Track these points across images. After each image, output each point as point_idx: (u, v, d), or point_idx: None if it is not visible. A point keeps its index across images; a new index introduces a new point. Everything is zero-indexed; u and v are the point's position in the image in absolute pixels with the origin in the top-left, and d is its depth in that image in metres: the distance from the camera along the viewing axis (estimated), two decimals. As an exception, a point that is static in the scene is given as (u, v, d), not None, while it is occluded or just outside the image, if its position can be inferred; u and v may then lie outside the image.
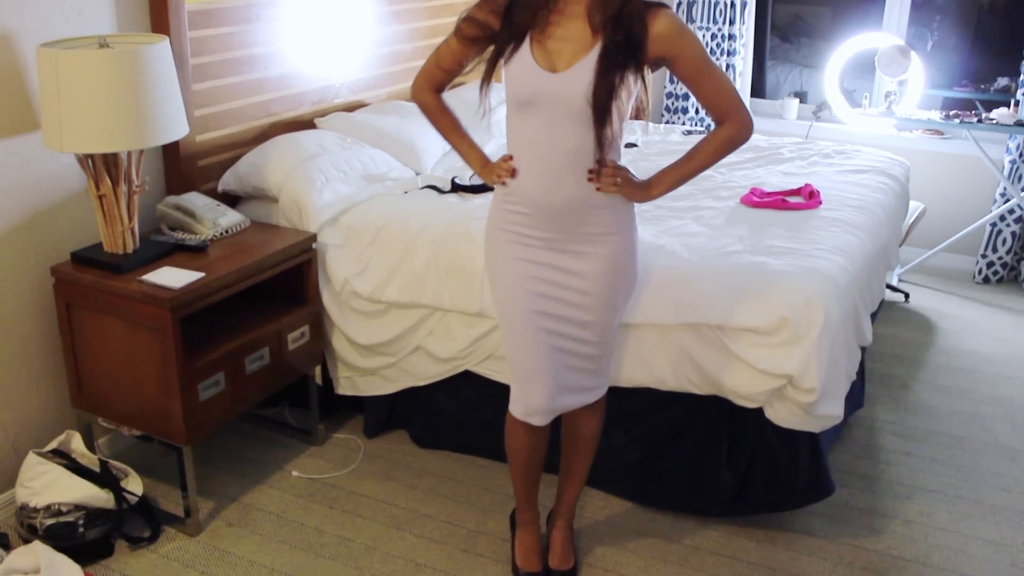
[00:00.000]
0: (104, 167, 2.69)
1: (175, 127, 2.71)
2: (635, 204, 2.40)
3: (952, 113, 4.75)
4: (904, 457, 3.35)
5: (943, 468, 3.29)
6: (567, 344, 2.42)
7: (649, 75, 2.25)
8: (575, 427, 2.64)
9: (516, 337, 2.42)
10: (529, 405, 2.46)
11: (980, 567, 2.80)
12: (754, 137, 4.41)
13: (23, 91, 2.76)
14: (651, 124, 4.64)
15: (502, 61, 2.23)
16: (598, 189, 2.26)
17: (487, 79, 2.30)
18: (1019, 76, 4.79)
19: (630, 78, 2.15)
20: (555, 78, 2.16)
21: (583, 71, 2.14)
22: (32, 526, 2.70)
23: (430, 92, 2.47)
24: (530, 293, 2.37)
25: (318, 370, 3.32)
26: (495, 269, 2.44)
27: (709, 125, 5.38)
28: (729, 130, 2.27)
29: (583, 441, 2.65)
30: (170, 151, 3.22)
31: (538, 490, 2.72)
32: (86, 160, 2.68)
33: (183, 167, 3.24)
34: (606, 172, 2.25)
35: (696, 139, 4.35)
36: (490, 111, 2.39)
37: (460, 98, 4.09)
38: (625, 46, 2.12)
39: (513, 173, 2.31)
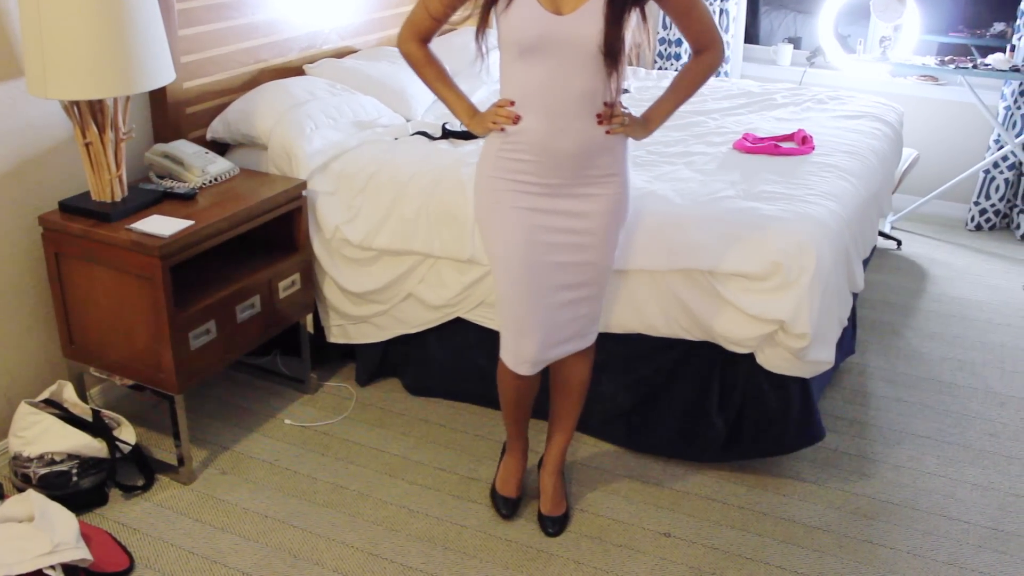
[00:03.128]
0: (90, 114, 2.66)
1: (161, 73, 2.67)
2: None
3: (947, 59, 4.71)
4: (894, 403, 3.37)
5: (932, 414, 3.31)
6: (565, 294, 2.42)
7: (648, 15, 2.25)
8: (565, 374, 2.64)
9: (512, 289, 2.40)
10: (519, 356, 2.47)
11: (968, 511, 2.82)
12: (747, 82, 4.41)
13: (6, 37, 2.72)
14: (643, 70, 4.60)
15: (497, 7, 2.19)
16: (608, 132, 2.28)
17: (482, 27, 2.26)
18: (1015, 21, 4.75)
19: (635, 17, 2.17)
20: (562, 21, 2.14)
21: (591, 12, 2.12)
22: (26, 475, 2.70)
23: (416, 42, 2.41)
24: (532, 243, 2.35)
25: (309, 318, 3.32)
26: (491, 220, 2.40)
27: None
28: (710, 57, 2.36)
29: (572, 387, 2.66)
30: (157, 98, 3.18)
31: (527, 425, 2.76)
32: (72, 107, 2.64)
33: (171, 114, 3.20)
34: (616, 114, 2.28)
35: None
36: (486, 56, 2.35)
37: (451, 45, 4.09)
38: None
39: (516, 120, 2.28)
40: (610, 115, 2.27)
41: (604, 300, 2.60)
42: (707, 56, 2.36)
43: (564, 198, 2.34)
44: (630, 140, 2.41)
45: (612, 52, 2.15)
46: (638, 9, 2.16)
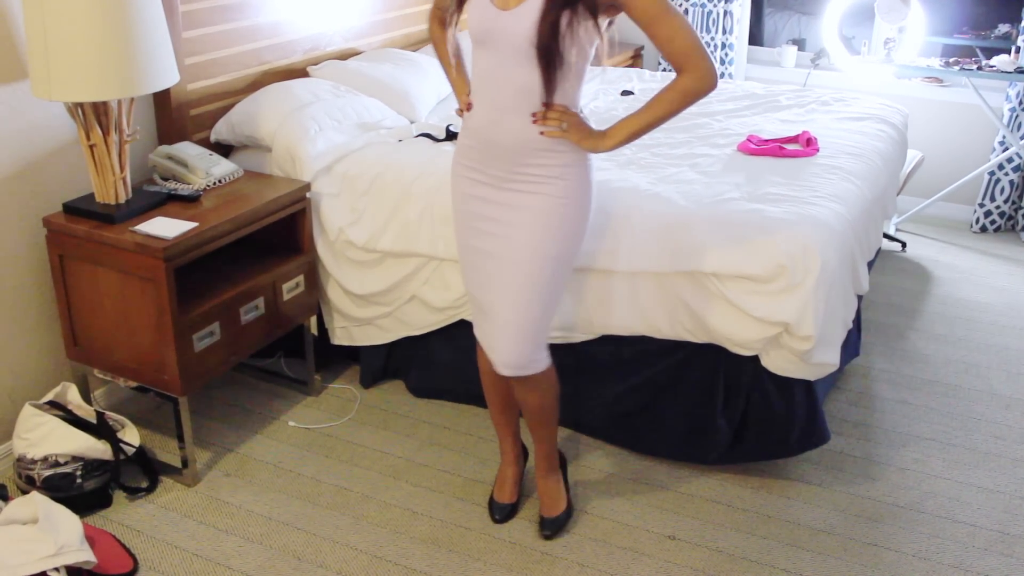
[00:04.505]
0: (94, 116, 2.66)
1: (165, 75, 2.67)
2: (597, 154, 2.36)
3: (952, 60, 4.71)
4: (899, 405, 3.36)
5: (938, 416, 3.30)
6: (492, 293, 2.41)
7: (607, 25, 2.18)
8: (519, 397, 2.58)
9: (464, 275, 2.51)
10: (482, 342, 2.53)
11: (974, 514, 2.82)
12: (751, 84, 4.39)
13: (10, 39, 2.72)
14: (648, 71, 4.60)
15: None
16: (541, 133, 2.25)
17: (454, 19, 2.36)
18: (1020, 23, 4.74)
19: (582, 22, 2.11)
20: (504, 15, 2.15)
21: (530, 9, 2.12)
22: (30, 477, 2.71)
23: (435, 22, 2.56)
24: (473, 230, 2.41)
25: (313, 320, 3.31)
26: (453, 205, 2.49)
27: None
28: (686, 80, 2.16)
29: (528, 412, 2.60)
30: (161, 100, 3.18)
31: (515, 429, 2.77)
32: (76, 109, 2.65)
33: (175, 116, 3.20)
34: (551, 115, 2.23)
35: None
36: (460, 48, 2.48)
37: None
38: None
39: (470, 107, 2.34)
40: (544, 116, 2.23)
41: (537, 327, 2.41)
42: (682, 80, 2.17)
43: (503, 191, 2.34)
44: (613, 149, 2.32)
45: (545, 51, 2.12)
46: (588, 13, 2.10)
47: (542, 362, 2.47)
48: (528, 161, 2.28)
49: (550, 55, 2.13)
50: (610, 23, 2.20)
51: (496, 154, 2.31)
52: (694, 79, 2.15)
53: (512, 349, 2.40)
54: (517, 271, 2.35)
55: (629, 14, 2.12)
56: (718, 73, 2.20)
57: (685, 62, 2.14)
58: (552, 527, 2.70)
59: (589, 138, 2.27)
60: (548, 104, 2.22)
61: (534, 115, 2.23)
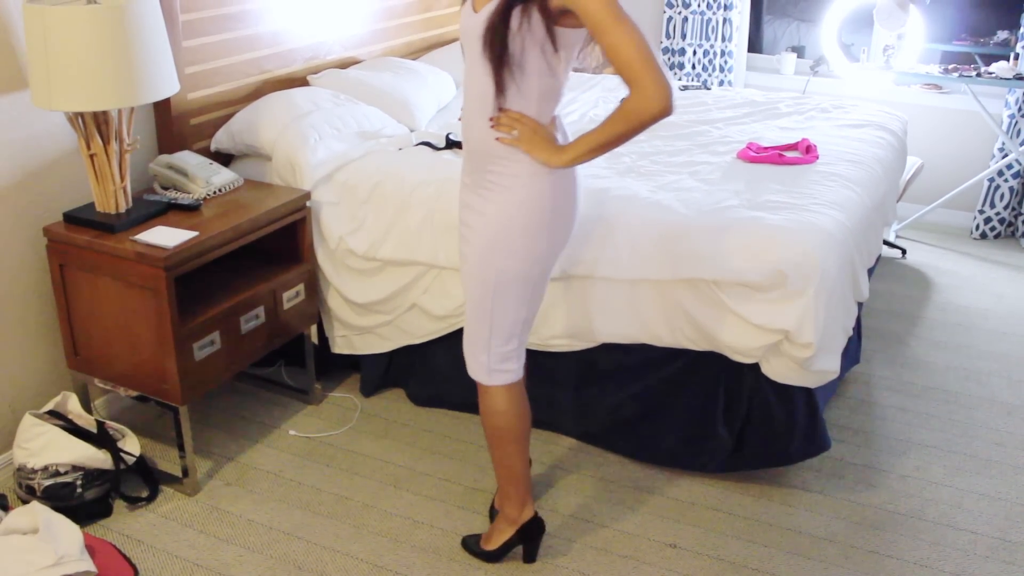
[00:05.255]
0: (95, 125, 2.66)
1: (165, 84, 2.68)
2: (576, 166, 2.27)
3: (951, 67, 4.71)
4: (900, 412, 3.36)
5: (938, 423, 3.30)
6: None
7: (562, 35, 2.06)
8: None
9: None
10: None
11: (975, 521, 2.81)
12: (751, 92, 4.39)
13: (10, 48, 2.72)
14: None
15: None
16: (496, 139, 2.21)
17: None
18: (1018, 29, 4.74)
19: (534, 25, 2.02)
20: (472, 17, 2.15)
21: (488, 11, 2.09)
22: (30, 487, 2.70)
23: None
24: (461, 235, 2.40)
25: (314, 329, 3.31)
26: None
27: (706, 81, 5.34)
28: (630, 100, 2.00)
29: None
30: (161, 109, 3.19)
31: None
32: (76, 118, 2.65)
33: (175, 125, 3.21)
34: (503, 120, 2.17)
35: (692, 94, 4.32)
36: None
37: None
38: None
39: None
40: (498, 121, 2.18)
41: (479, 334, 2.38)
42: (628, 99, 2.01)
43: (475, 196, 2.32)
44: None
45: (490, 47, 2.08)
46: (541, 16, 2.01)
47: (498, 375, 2.41)
48: (489, 167, 2.25)
49: (495, 53, 2.07)
50: (593, 42, 2.09)
51: (469, 158, 2.32)
52: (637, 99, 1.99)
53: (466, 351, 2.43)
54: (467, 278, 2.37)
55: (581, 22, 2.00)
56: (670, 94, 1.96)
57: (630, 78, 1.98)
58: (467, 545, 2.67)
59: (542, 151, 2.17)
60: (503, 109, 2.17)
61: (491, 119, 2.21)
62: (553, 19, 2.02)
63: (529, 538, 2.60)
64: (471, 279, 2.34)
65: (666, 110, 1.99)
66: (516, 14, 2.03)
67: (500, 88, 2.13)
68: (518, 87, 2.13)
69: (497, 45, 2.06)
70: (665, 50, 5.39)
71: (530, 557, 2.61)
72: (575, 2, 1.96)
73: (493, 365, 2.40)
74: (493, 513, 2.75)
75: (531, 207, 2.24)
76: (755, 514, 2.83)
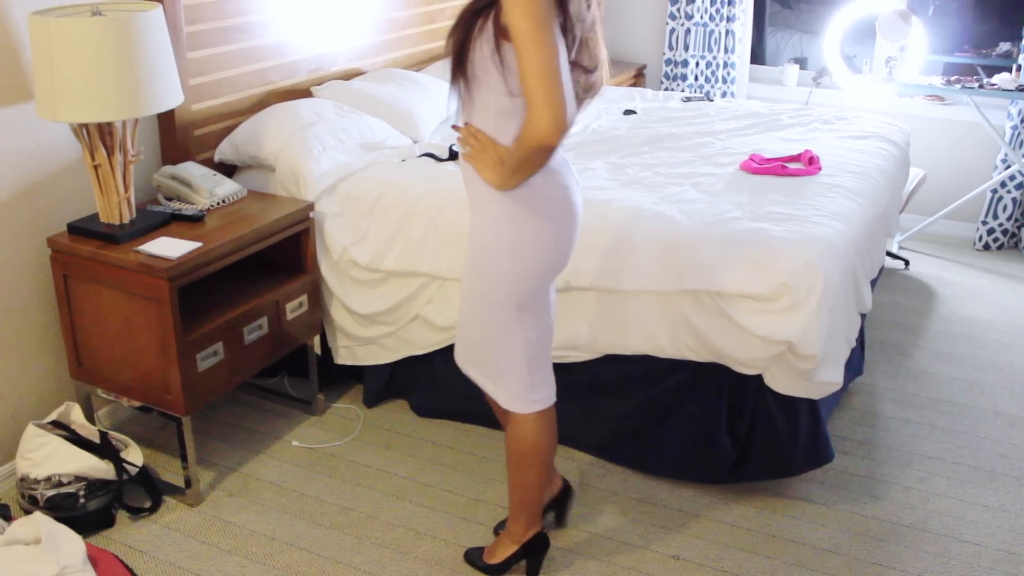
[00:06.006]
0: (99, 137, 2.67)
1: (170, 96, 2.69)
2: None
3: (953, 78, 4.72)
4: (903, 424, 3.36)
5: (942, 434, 3.30)
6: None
7: (508, 52, 1.97)
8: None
9: None
10: None
11: (978, 533, 2.80)
12: (753, 103, 4.40)
13: (15, 60, 2.73)
14: (650, 91, 4.61)
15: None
16: (462, 154, 2.19)
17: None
18: (1021, 41, 4.75)
19: (487, 35, 1.98)
20: None
21: (460, 12, 2.08)
22: (33, 497, 2.70)
23: None
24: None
25: (317, 340, 3.32)
26: None
27: (708, 92, 5.34)
28: (524, 126, 1.93)
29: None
30: (166, 120, 3.20)
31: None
32: (81, 130, 2.66)
33: (179, 136, 3.21)
34: (461, 132, 2.14)
35: (695, 105, 4.33)
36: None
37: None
38: None
39: None
40: (459, 135, 2.15)
41: (497, 358, 2.33)
42: (523, 125, 1.93)
43: (470, 209, 2.28)
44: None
45: (453, 51, 2.05)
46: (494, 27, 1.96)
47: (510, 399, 2.36)
48: (471, 180, 2.21)
49: (455, 52, 2.05)
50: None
51: (463, 173, 2.27)
52: (526, 125, 1.91)
53: (496, 389, 2.38)
54: (464, 284, 2.34)
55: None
56: (559, 126, 1.86)
57: (527, 101, 1.89)
58: (470, 558, 2.65)
59: (487, 169, 2.10)
60: (467, 123, 2.14)
61: (453, 127, 2.20)
62: (503, 32, 1.95)
63: (533, 553, 2.58)
64: (465, 295, 2.33)
65: (550, 140, 1.89)
66: (480, 20, 2.00)
67: (458, 94, 2.11)
68: (473, 99, 2.10)
69: (457, 45, 2.05)
70: (668, 61, 5.40)
71: (533, 572, 2.60)
72: (505, 13, 1.90)
73: (522, 394, 2.34)
74: (498, 527, 2.75)
75: (499, 229, 2.17)
76: (758, 526, 2.83)
